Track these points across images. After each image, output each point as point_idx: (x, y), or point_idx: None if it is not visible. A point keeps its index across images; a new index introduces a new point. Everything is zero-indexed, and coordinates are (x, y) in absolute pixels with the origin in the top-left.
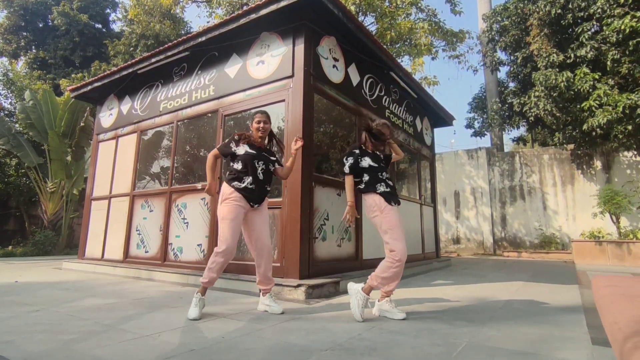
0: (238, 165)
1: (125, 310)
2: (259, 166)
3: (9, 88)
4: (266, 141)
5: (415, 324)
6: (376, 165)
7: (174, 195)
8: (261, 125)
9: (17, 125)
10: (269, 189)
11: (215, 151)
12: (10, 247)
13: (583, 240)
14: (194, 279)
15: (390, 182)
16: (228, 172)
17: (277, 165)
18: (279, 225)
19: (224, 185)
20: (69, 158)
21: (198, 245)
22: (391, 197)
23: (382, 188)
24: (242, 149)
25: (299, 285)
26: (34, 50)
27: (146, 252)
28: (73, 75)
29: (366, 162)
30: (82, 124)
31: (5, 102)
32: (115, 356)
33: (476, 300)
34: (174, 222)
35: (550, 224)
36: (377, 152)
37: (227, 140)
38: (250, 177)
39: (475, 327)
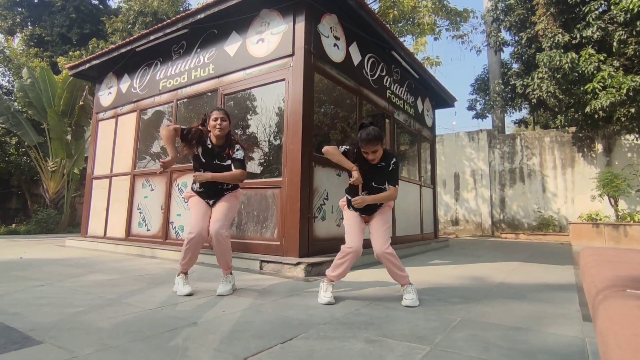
0: (195, 164)
1: (128, 286)
2: (210, 167)
3: (6, 65)
4: (222, 141)
5: None
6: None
7: (175, 175)
8: (218, 122)
9: (15, 103)
10: (227, 186)
11: (177, 127)
12: (13, 225)
13: (580, 222)
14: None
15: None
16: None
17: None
18: (279, 204)
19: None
20: (69, 137)
21: None
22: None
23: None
24: (198, 150)
25: (298, 263)
26: (30, 27)
27: (148, 230)
28: (70, 53)
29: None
30: (81, 103)
31: (2, 79)
32: (119, 328)
33: (472, 279)
34: (174, 201)
35: (549, 207)
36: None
37: (193, 129)
38: (198, 183)
39: (470, 304)
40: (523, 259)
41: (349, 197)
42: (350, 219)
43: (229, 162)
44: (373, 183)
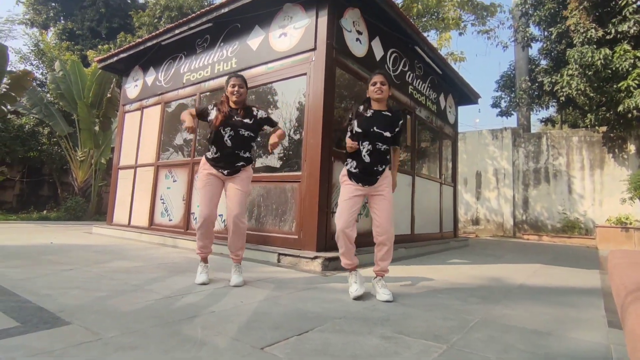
0: (208, 133)
1: (151, 273)
2: (226, 133)
3: (40, 58)
4: (242, 111)
5: (428, 299)
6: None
7: (196, 167)
8: (236, 89)
9: (48, 95)
10: (244, 155)
11: (192, 109)
12: (45, 212)
13: (608, 225)
14: (215, 247)
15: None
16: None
17: (265, 128)
18: (298, 198)
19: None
20: (97, 128)
21: (219, 215)
22: (357, 178)
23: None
24: (212, 115)
25: (315, 257)
26: (62, 21)
27: (170, 220)
28: (99, 47)
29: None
30: (108, 95)
31: (36, 72)
32: (141, 314)
33: (491, 280)
34: (196, 192)
35: (574, 209)
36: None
37: (208, 107)
38: (214, 147)
39: (489, 305)
40: (546, 262)
41: (350, 167)
42: (346, 195)
43: (249, 121)
44: (375, 128)
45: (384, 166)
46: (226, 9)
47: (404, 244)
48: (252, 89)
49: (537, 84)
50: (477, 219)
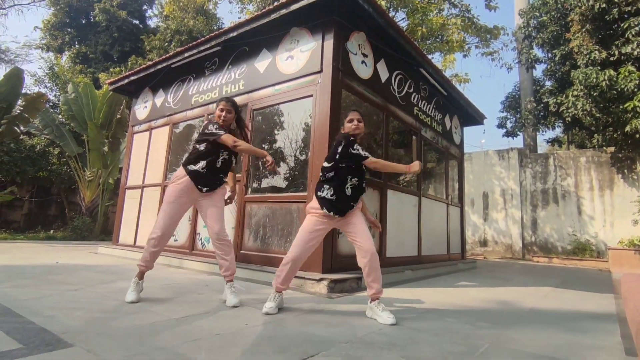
0: (201, 147)
1: (155, 294)
2: (222, 155)
3: (54, 81)
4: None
5: (436, 323)
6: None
7: None
8: (224, 114)
9: (60, 116)
10: (222, 177)
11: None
12: (51, 231)
13: (621, 248)
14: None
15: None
16: (188, 154)
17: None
18: (303, 219)
19: (180, 167)
20: (105, 148)
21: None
22: (330, 207)
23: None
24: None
25: (321, 279)
26: (76, 46)
27: (175, 240)
28: (111, 69)
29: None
30: (118, 116)
31: (50, 94)
32: (145, 336)
33: (501, 303)
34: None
35: (585, 230)
36: None
37: (214, 125)
38: (205, 162)
39: (499, 330)
40: (557, 285)
41: (327, 195)
42: (309, 227)
43: (233, 158)
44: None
45: (357, 202)
46: (235, 33)
47: (411, 265)
48: (259, 110)
49: (542, 105)
50: (484, 240)
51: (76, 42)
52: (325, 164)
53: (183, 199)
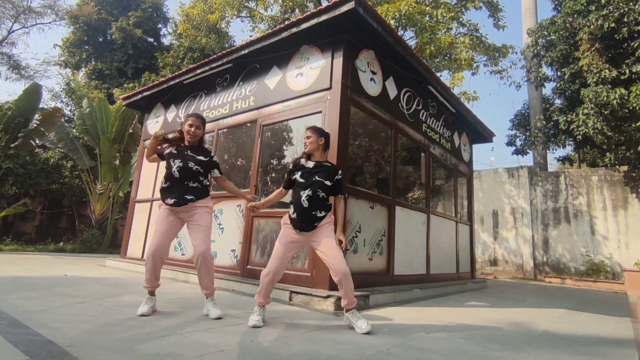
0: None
1: (161, 309)
2: (174, 164)
3: (70, 96)
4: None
5: (446, 343)
6: (302, 180)
7: (213, 201)
8: (193, 129)
9: (74, 130)
10: (192, 185)
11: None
12: (61, 243)
13: (637, 270)
14: (226, 284)
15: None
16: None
17: (215, 172)
18: None
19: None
20: (117, 162)
21: (232, 250)
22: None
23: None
24: (167, 150)
25: (328, 296)
26: (93, 62)
27: (183, 254)
28: (125, 85)
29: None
30: (130, 130)
31: (66, 109)
32: (150, 350)
33: (513, 325)
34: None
35: (599, 251)
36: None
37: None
38: (164, 178)
39: (511, 352)
40: (571, 307)
41: (290, 213)
42: (283, 239)
43: (201, 157)
44: (316, 177)
45: (323, 212)
46: (246, 51)
47: (420, 284)
48: (269, 126)
49: (552, 123)
50: (495, 259)
51: (93, 59)
52: None
53: (170, 218)
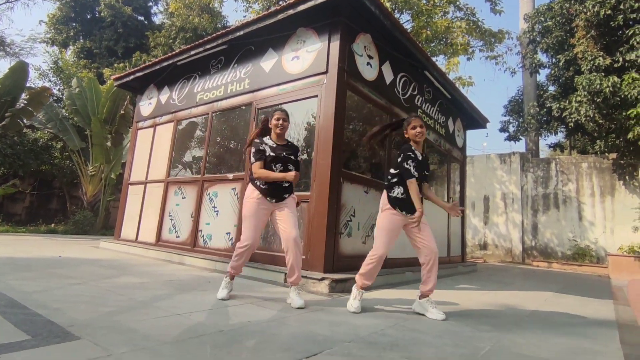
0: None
1: (158, 290)
2: (276, 169)
3: (58, 75)
4: (283, 141)
5: (438, 325)
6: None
7: (206, 184)
8: (280, 122)
9: (64, 110)
10: (286, 185)
11: (257, 164)
12: (53, 225)
13: (621, 254)
14: (222, 266)
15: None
16: (251, 173)
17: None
18: (306, 218)
19: (248, 185)
20: (108, 143)
21: (227, 233)
22: (403, 206)
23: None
24: (267, 149)
25: (323, 279)
26: (81, 40)
27: (177, 237)
28: (115, 65)
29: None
30: (122, 112)
31: (54, 88)
32: (150, 330)
33: (502, 307)
34: (204, 209)
35: (585, 236)
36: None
37: (254, 149)
38: (262, 178)
39: (500, 333)
40: (557, 290)
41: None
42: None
43: (293, 157)
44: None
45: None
46: (241, 32)
47: (411, 267)
48: (264, 109)
49: (545, 110)
50: (485, 243)
51: (81, 37)
52: None
53: (261, 210)
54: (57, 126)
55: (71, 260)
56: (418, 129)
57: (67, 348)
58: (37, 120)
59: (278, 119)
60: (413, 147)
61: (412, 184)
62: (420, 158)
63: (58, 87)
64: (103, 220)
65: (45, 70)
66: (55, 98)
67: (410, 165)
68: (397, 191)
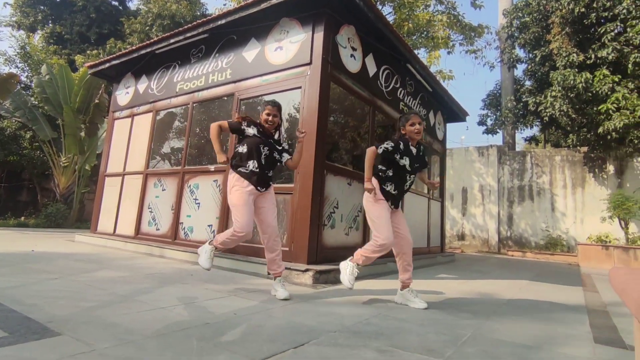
0: (243, 149)
1: (139, 284)
2: (263, 151)
3: (26, 61)
4: (275, 134)
5: (420, 313)
6: (409, 169)
7: (187, 176)
8: (270, 118)
9: (32, 98)
10: (270, 175)
11: (223, 122)
12: (23, 218)
13: (589, 243)
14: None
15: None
16: (234, 159)
17: (285, 155)
18: (290, 211)
19: (231, 172)
20: (82, 134)
21: (209, 225)
22: (393, 200)
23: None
24: (251, 131)
25: (306, 270)
26: (50, 25)
27: (157, 229)
28: (88, 52)
29: (404, 161)
30: (96, 101)
31: (22, 75)
32: (133, 325)
33: (480, 295)
34: (185, 202)
35: (557, 226)
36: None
37: (236, 121)
38: (255, 161)
39: (480, 320)
40: (531, 278)
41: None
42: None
43: (280, 147)
44: (417, 164)
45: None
46: (223, 21)
47: (393, 258)
48: (246, 100)
49: (522, 104)
50: (462, 234)
51: (50, 21)
52: None
53: (250, 199)
54: (25, 115)
55: (46, 255)
56: (417, 126)
57: (47, 344)
58: (4, 109)
59: (268, 114)
60: (402, 144)
61: (369, 151)
62: (414, 153)
63: (26, 73)
64: (77, 213)
65: (11, 56)
66: (23, 85)
67: (383, 146)
68: (390, 187)
